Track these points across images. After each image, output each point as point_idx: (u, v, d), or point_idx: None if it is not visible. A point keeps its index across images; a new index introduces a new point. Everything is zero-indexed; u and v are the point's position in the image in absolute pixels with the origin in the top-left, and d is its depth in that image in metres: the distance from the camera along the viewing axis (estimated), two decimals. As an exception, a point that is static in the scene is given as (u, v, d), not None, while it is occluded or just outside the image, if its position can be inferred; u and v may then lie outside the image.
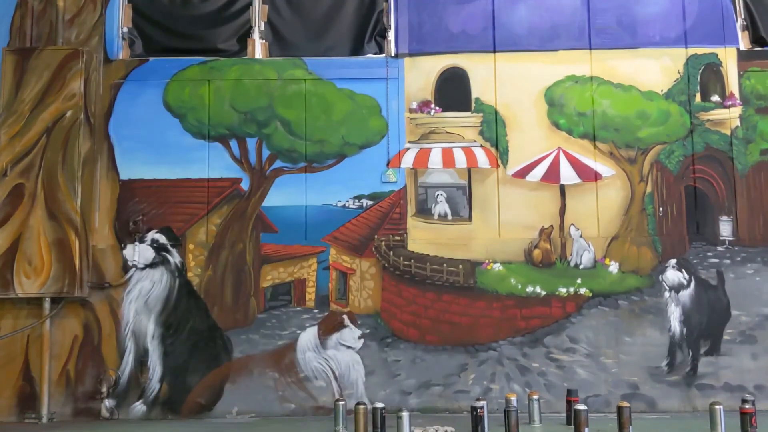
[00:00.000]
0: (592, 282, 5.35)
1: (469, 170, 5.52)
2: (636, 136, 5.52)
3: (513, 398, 4.16)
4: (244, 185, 5.49)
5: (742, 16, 5.69)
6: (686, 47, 5.60)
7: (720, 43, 5.61)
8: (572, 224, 5.42)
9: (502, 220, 5.44)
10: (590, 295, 5.34)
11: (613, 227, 5.43)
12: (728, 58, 5.60)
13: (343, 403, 4.24)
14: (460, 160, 5.52)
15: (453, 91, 5.60)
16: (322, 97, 5.56)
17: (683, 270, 5.35)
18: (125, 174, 5.49)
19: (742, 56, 5.61)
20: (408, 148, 5.54)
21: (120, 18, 5.71)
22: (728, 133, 5.51)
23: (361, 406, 4.09)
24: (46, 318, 5.16)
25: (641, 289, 5.35)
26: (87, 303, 5.28)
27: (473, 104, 5.58)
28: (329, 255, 5.40)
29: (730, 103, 5.55)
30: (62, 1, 5.58)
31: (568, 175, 5.48)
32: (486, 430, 3.95)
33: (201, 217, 5.43)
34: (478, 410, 3.98)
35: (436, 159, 5.52)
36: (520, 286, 5.35)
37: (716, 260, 5.39)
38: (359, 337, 5.23)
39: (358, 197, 5.47)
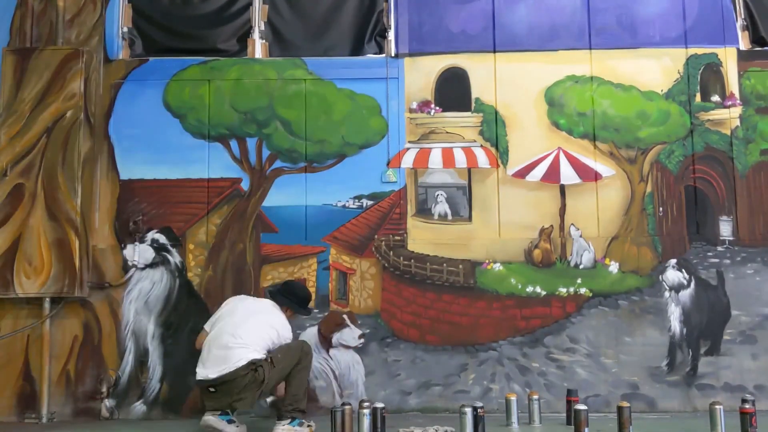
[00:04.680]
0: (592, 282, 5.35)
1: (469, 170, 5.52)
2: (636, 136, 5.52)
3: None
4: (244, 185, 5.48)
5: (742, 16, 5.69)
6: (686, 47, 5.60)
7: (720, 43, 5.61)
8: (572, 224, 5.42)
9: (502, 220, 5.44)
10: (590, 295, 5.33)
11: (613, 227, 5.43)
12: (728, 58, 5.59)
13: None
14: (460, 160, 5.51)
15: (453, 91, 5.59)
16: (322, 97, 5.56)
17: (683, 270, 5.35)
18: (125, 174, 5.48)
19: (742, 56, 5.61)
20: (408, 148, 5.54)
21: (120, 18, 5.71)
22: (728, 133, 5.51)
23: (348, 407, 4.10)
24: (46, 318, 5.15)
25: (641, 289, 5.34)
26: (87, 303, 5.27)
27: (473, 104, 5.58)
28: (329, 255, 5.40)
29: (730, 103, 5.55)
30: (62, 1, 5.57)
31: (568, 175, 5.48)
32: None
33: (201, 217, 5.43)
34: (478, 410, 4.00)
35: (436, 159, 5.52)
36: (520, 286, 5.35)
37: (716, 260, 5.38)
38: (360, 337, 5.22)
39: (358, 197, 5.46)
